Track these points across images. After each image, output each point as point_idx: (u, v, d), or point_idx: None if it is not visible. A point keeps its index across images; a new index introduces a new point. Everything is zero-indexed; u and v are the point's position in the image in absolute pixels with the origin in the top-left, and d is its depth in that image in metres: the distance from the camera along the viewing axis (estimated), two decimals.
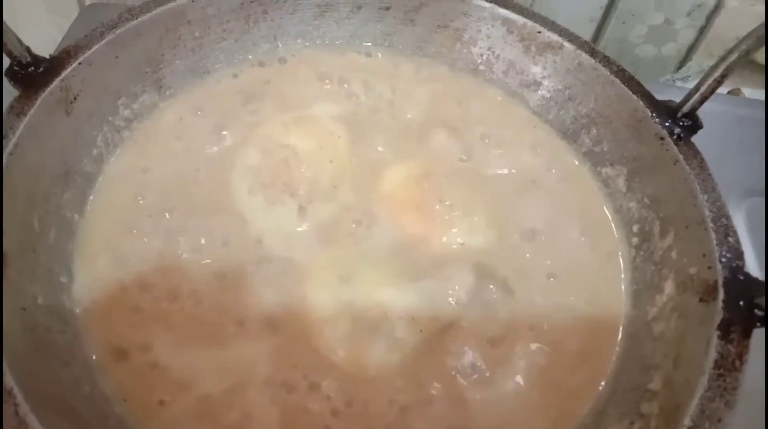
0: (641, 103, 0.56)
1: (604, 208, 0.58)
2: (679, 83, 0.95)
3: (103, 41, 0.53)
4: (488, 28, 0.63)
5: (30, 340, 0.42)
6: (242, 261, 0.51)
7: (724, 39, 0.90)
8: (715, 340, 0.43)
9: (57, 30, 0.89)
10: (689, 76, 0.94)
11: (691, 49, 0.92)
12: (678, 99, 0.55)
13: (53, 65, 0.51)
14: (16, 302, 0.43)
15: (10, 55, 0.49)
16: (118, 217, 0.52)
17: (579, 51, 0.60)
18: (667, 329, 0.48)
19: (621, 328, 0.51)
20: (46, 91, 0.49)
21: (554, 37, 0.61)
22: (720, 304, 0.45)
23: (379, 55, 0.65)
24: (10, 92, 0.49)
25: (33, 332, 0.43)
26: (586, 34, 0.91)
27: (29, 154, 0.47)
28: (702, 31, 0.90)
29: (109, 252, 0.50)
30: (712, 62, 0.51)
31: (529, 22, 0.61)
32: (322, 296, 0.49)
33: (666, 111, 0.55)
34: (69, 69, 0.51)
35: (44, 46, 0.83)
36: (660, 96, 0.56)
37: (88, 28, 0.54)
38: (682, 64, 0.94)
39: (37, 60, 0.50)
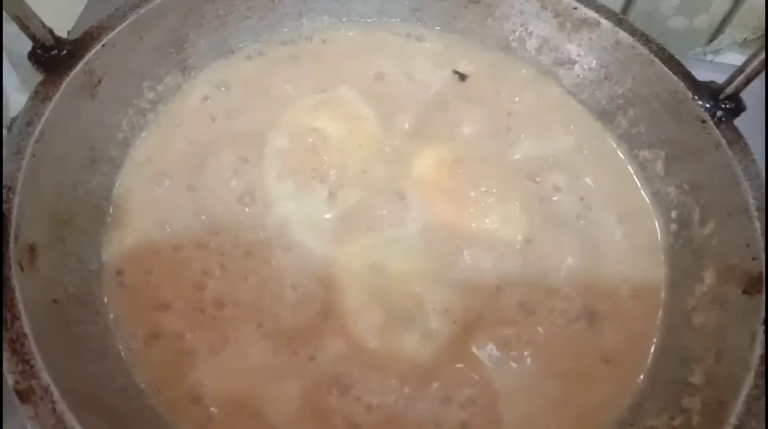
0: (681, 84, 0.54)
1: (642, 192, 0.56)
2: (710, 56, 0.92)
3: (127, 22, 0.52)
4: (521, 4, 0.61)
5: (63, 334, 0.42)
6: (272, 249, 0.50)
7: (758, 10, 0.87)
8: (761, 336, 0.42)
9: (71, 4, 0.87)
10: (721, 49, 0.91)
11: (724, 22, 0.89)
12: (709, 73, 0.53)
13: (76, 48, 0.50)
14: (48, 295, 0.42)
15: (32, 38, 0.48)
16: (145, 203, 0.51)
17: (617, 28, 0.57)
18: (707, 321, 0.47)
19: (659, 318, 0.50)
20: (71, 75, 0.48)
21: (591, 14, 0.58)
22: (765, 297, 0.44)
23: (407, 31, 0.63)
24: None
25: (66, 326, 0.42)
26: (616, 5, 0.88)
27: (55, 141, 0.46)
28: (737, 2, 0.86)
29: (138, 238, 0.50)
30: (745, 35, 0.49)
31: None
32: (353, 285, 0.48)
33: (708, 92, 0.53)
34: (93, 51, 0.50)
35: (60, 24, 0.82)
36: (691, 70, 0.54)
37: (105, 3, 0.52)
38: (713, 37, 0.91)
39: (60, 42, 0.49)
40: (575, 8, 0.59)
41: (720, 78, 0.53)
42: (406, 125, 0.56)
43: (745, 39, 0.89)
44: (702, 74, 0.54)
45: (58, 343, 0.40)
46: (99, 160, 0.51)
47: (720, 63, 0.90)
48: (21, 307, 0.38)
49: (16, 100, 1.06)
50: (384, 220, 0.51)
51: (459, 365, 0.46)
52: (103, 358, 0.44)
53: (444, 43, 0.63)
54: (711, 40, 0.91)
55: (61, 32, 0.78)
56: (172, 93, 0.57)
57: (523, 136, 0.58)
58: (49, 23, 0.48)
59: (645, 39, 0.56)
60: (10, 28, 1.01)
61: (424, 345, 0.46)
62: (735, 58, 0.90)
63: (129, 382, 0.43)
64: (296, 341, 0.46)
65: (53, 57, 0.48)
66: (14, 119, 1.07)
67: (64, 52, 0.49)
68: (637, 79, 0.57)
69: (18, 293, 0.39)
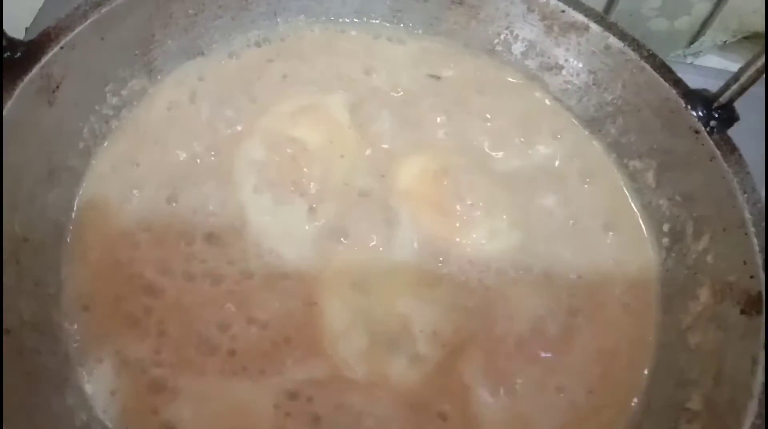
0: (674, 91, 0.52)
1: (632, 204, 0.54)
2: (689, 59, 0.91)
3: (87, 21, 0.48)
4: (507, 6, 0.58)
5: (16, 366, 0.38)
6: (248, 267, 0.46)
7: (740, 13, 0.86)
8: (762, 360, 0.40)
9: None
10: (701, 52, 0.90)
11: (705, 24, 0.88)
12: (690, 76, 0.51)
13: (32, 50, 0.46)
14: None
15: None
16: (109, 217, 0.48)
17: (606, 33, 0.55)
18: (704, 341, 0.45)
19: (653, 337, 0.48)
20: (25, 80, 0.44)
21: (579, 17, 0.56)
22: (765, 318, 0.42)
23: (388, 33, 0.60)
24: None
25: (20, 357, 0.39)
26: (597, 6, 0.86)
27: (9, 152, 0.42)
28: (718, 4, 0.85)
29: (102, 256, 0.46)
30: (725, 38, 0.47)
31: (552, 0, 0.56)
32: (335, 306, 0.45)
33: (700, 101, 0.51)
34: (50, 54, 0.46)
35: (17, 22, 0.77)
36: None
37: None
38: (694, 40, 0.90)
39: (13, 44, 0.45)
40: (563, 11, 0.56)
41: (700, 82, 0.51)
42: (389, 134, 0.54)
43: (725, 42, 0.87)
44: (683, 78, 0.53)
45: (10, 377, 0.36)
46: (58, 171, 0.47)
47: (700, 66, 0.89)
48: None
49: None
50: (366, 235, 0.48)
51: (448, 393, 0.43)
52: (63, 391, 0.40)
53: (426, 45, 0.60)
54: (691, 43, 0.90)
55: (20, 27, 0.74)
56: (137, 98, 0.53)
57: (508, 144, 0.56)
58: (7, 17, 0.44)
59: (636, 44, 0.54)
60: None
61: (412, 371, 0.43)
62: (715, 61, 0.89)
63: (91, 418, 0.40)
64: (271, 369, 0.43)
65: (6, 60, 0.44)
66: None
67: (18, 54, 0.45)
68: (628, 86, 0.55)
69: None
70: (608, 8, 0.86)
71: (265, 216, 0.48)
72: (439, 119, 0.56)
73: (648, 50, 0.54)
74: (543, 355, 0.46)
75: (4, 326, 0.39)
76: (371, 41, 0.59)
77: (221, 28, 0.56)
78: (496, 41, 0.60)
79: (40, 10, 0.74)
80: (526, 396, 0.44)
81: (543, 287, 0.49)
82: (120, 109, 0.52)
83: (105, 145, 0.50)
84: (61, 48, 0.46)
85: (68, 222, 0.47)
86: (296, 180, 0.49)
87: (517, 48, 0.60)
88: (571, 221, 0.52)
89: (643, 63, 0.54)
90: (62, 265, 0.45)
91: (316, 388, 0.43)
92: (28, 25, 0.74)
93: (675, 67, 0.53)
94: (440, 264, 0.48)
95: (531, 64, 0.60)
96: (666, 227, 0.52)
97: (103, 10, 0.49)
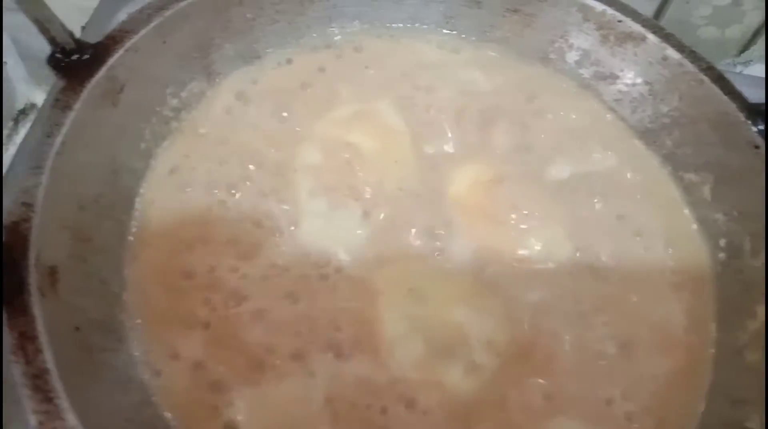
0: (733, 105, 0.51)
1: (688, 217, 0.53)
2: (739, 68, 0.90)
3: (151, 25, 0.49)
4: (562, 15, 0.58)
5: (86, 365, 0.39)
6: (303, 271, 0.47)
7: None
8: None
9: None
10: (751, 61, 0.89)
11: (756, 33, 0.87)
12: (741, 86, 0.51)
13: (98, 52, 0.46)
14: (69, 322, 0.39)
15: (52, 41, 0.45)
16: (169, 216, 0.48)
17: (664, 44, 0.55)
18: (761, 359, 0.45)
19: (709, 355, 0.47)
20: (92, 82, 0.45)
21: (636, 27, 0.56)
22: None
23: (441, 39, 0.60)
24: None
25: (89, 355, 0.39)
26: (646, 13, 0.85)
27: (77, 153, 0.43)
28: None
29: (162, 254, 0.47)
30: None
31: (609, 10, 0.56)
32: (390, 313, 0.45)
33: (760, 115, 0.50)
34: (115, 56, 0.47)
35: (71, 18, 0.78)
36: None
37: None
38: (744, 48, 0.89)
39: (81, 46, 0.46)
40: (620, 21, 0.56)
41: (750, 92, 0.51)
42: (442, 140, 0.54)
43: None
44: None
45: (82, 376, 0.37)
46: (120, 171, 0.48)
47: (748, 75, 0.88)
48: (43, 338, 0.35)
49: (23, 91, 1.03)
50: (422, 241, 0.48)
51: (503, 403, 0.43)
52: (128, 388, 0.41)
53: (479, 53, 0.60)
54: (742, 52, 0.89)
55: (74, 28, 0.75)
56: (196, 100, 0.54)
57: (561, 154, 0.55)
58: (64, 17, 0.45)
59: (694, 56, 0.54)
60: (18, 18, 0.97)
61: (467, 380, 0.43)
62: (761, 70, 0.88)
63: (156, 416, 0.41)
64: (326, 371, 0.43)
65: (74, 62, 0.45)
66: (21, 111, 1.04)
67: (86, 56, 0.46)
68: (685, 98, 0.54)
69: (40, 323, 0.36)
70: (657, 16, 0.86)
71: (319, 219, 0.49)
72: (491, 127, 0.55)
73: (707, 62, 0.54)
74: (598, 370, 0.45)
75: (75, 323, 0.40)
76: (424, 47, 0.59)
77: (277, 33, 0.57)
78: (550, 50, 0.60)
79: (94, 11, 0.75)
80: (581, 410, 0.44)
81: (596, 301, 0.48)
82: (179, 110, 0.52)
83: (164, 145, 0.51)
84: (126, 51, 0.47)
85: (129, 221, 0.47)
86: (352, 185, 0.50)
87: (572, 57, 0.59)
88: (626, 234, 0.52)
89: (701, 75, 0.53)
90: (124, 265, 0.46)
91: (370, 393, 0.43)
92: (83, 23, 0.75)
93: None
94: (495, 273, 0.47)
95: (585, 73, 0.59)
96: (723, 242, 0.51)
97: (166, 13, 0.49)
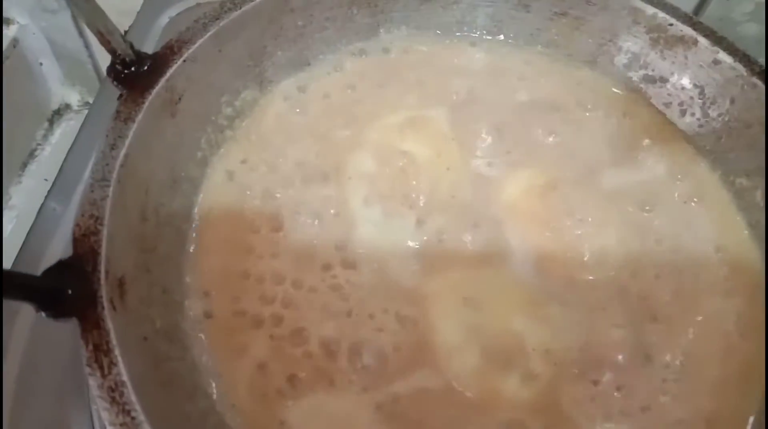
0: None
1: (740, 223, 0.53)
2: None
3: (207, 35, 0.49)
4: (612, 18, 0.58)
5: (156, 375, 0.40)
6: (359, 279, 0.47)
7: None
8: None
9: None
10: None
11: None
12: None
13: (157, 63, 0.47)
14: (138, 333, 0.40)
15: (113, 53, 0.46)
16: (226, 224, 0.49)
17: (716, 47, 0.54)
18: None
19: (765, 365, 0.47)
20: (153, 93, 0.46)
21: (688, 31, 0.55)
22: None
23: (488, 43, 0.60)
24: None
25: (157, 365, 0.40)
26: (685, 9, 0.84)
27: (140, 164, 0.44)
28: None
29: (221, 262, 0.48)
30: None
31: (660, 13, 0.56)
32: (447, 322, 0.46)
33: None
34: (174, 67, 0.47)
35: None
36: None
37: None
38: None
39: (140, 58, 0.46)
40: (671, 24, 0.56)
41: None
42: (493, 146, 0.54)
43: None
44: None
45: (152, 386, 0.38)
46: (179, 180, 0.49)
47: None
48: (117, 351, 0.36)
49: (58, 92, 1.04)
50: (476, 249, 0.49)
51: (562, 411, 0.43)
52: (194, 397, 0.42)
53: (527, 56, 0.60)
54: None
55: (121, 29, 0.76)
56: (249, 108, 0.54)
57: (613, 158, 0.55)
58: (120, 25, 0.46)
59: (747, 60, 0.53)
60: (55, 18, 0.98)
61: (525, 389, 0.44)
62: None
63: (220, 422, 0.41)
64: (381, 380, 0.44)
65: (134, 73, 0.46)
66: (56, 112, 1.05)
67: (145, 68, 0.46)
68: (737, 102, 0.54)
69: (113, 336, 0.37)
70: (697, 12, 0.85)
71: (374, 227, 0.49)
72: (542, 132, 0.56)
73: (760, 66, 0.53)
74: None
75: (144, 334, 0.40)
76: (473, 52, 0.59)
77: (327, 39, 0.57)
78: (598, 53, 0.60)
79: (138, 13, 0.76)
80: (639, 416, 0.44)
81: (652, 312, 0.48)
82: (233, 119, 0.53)
83: (219, 153, 0.52)
84: (184, 61, 0.48)
85: (189, 230, 0.48)
86: (406, 193, 0.50)
87: (620, 60, 0.59)
88: (679, 237, 0.52)
89: (755, 80, 0.53)
90: (185, 274, 0.47)
91: (426, 401, 0.44)
92: (126, 27, 0.76)
93: None
94: (550, 281, 0.48)
95: (634, 76, 0.59)
96: None
97: (222, 23, 0.50)
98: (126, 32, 0.76)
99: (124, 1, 0.85)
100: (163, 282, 0.45)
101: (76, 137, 0.66)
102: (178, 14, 0.74)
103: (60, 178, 0.63)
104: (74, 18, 0.95)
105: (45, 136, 1.05)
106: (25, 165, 0.97)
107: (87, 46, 1.02)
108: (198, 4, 0.75)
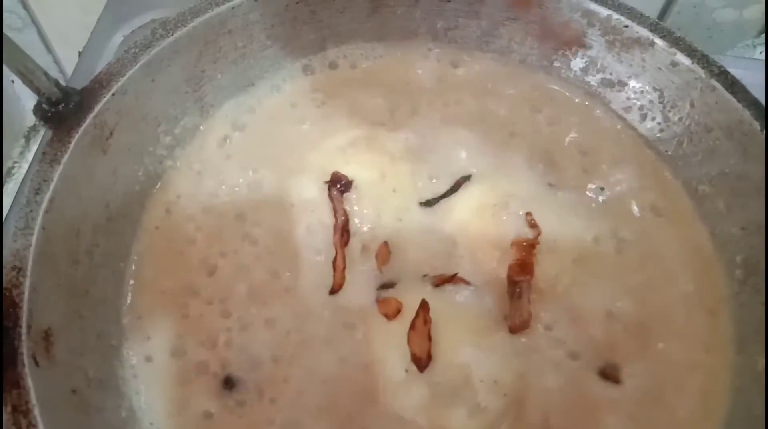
0: (748, 113, 0.49)
1: (701, 231, 0.51)
2: (759, 49, 0.86)
3: (138, 65, 0.47)
4: (565, 21, 0.55)
5: (85, 427, 0.38)
6: (303, 310, 0.46)
7: None
8: None
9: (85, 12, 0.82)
10: None
11: None
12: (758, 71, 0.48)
13: (85, 99, 0.46)
14: (66, 386, 0.39)
15: (37, 92, 0.44)
16: (168, 259, 0.48)
17: (673, 49, 0.52)
18: None
19: (727, 380, 0.45)
20: (80, 131, 0.45)
21: (644, 32, 0.53)
22: None
23: (438, 52, 0.58)
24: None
25: (87, 418, 0.39)
26: None
27: (67, 207, 0.43)
28: None
29: (160, 302, 0.46)
30: None
31: (615, 15, 0.53)
32: (391, 355, 0.44)
33: None
34: (103, 102, 0.46)
35: (74, 36, 0.78)
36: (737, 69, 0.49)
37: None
38: (765, 29, 0.85)
39: (66, 94, 0.45)
40: (626, 26, 0.53)
41: None
42: (442, 164, 0.52)
43: None
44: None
45: None
46: (115, 218, 0.47)
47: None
48: (37, 411, 0.35)
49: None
50: (418, 274, 0.47)
51: None
52: None
53: (479, 64, 0.58)
54: (761, 32, 0.85)
55: (78, 46, 0.75)
56: (190, 135, 0.53)
57: (569, 168, 0.53)
58: (62, 36, 0.45)
59: (705, 61, 0.51)
60: (24, 36, 0.96)
61: (473, 421, 0.42)
62: None
63: None
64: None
65: (61, 112, 0.44)
66: (32, 128, 1.04)
67: (72, 105, 0.45)
68: (697, 105, 0.52)
69: (33, 395, 0.36)
70: (671, 0, 0.82)
71: (318, 256, 0.48)
72: (494, 145, 0.54)
73: (719, 67, 0.51)
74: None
75: (72, 386, 0.39)
76: (423, 63, 0.57)
77: (271, 58, 0.55)
78: (553, 57, 0.57)
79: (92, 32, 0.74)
80: None
81: (610, 324, 0.47)
82: (173, 148, 0.52)
83: (158, 185, 0.50)
84: (113, 95, 0.46)
85: (127, 269, 0.47)
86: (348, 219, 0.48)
87: (577, 64, 0.57)
88: (638, 249, 0.50)
89: (713, 82, 0.50)
90: (123, 315, 0.45)
91: None
92: (80, 48, 0.75)
93: (742, 63, 0.49)
94: (501, 307, 0.46)
95: (592, 80, 0.57)
96: (739, 258, 0.49)
97: (153, 51, 0.48)
98: (80, 53, 0.74)
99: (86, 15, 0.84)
100: (97, 327, 0.43)
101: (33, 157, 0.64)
102: (132, 32, 0.72)
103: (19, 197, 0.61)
104: (40, 34, 0.94)
105: (22, 154, 1.04)
106: (2, 185, 0.96)
107: (56, 61, 1.01)
108: (153, 20, 0.73)
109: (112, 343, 0.44)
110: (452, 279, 0.46)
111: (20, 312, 0.38)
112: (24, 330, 0.37)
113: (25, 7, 0.88)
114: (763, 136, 0.48)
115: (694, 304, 0.48)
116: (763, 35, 0.85)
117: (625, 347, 0.46)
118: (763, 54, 0.84)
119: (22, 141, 1.04)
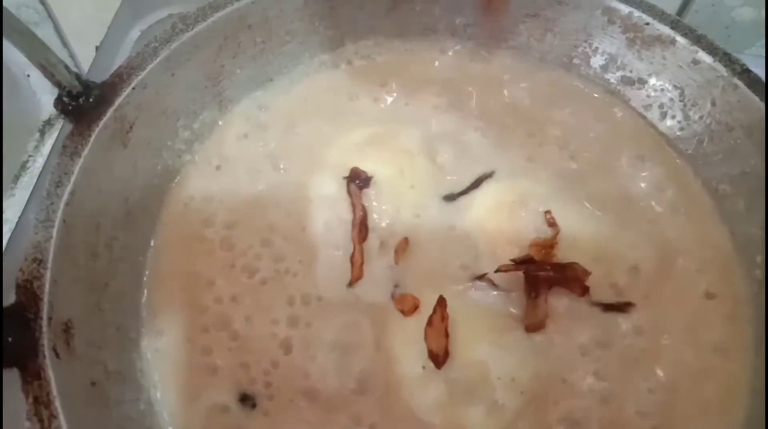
0: None
1: (720, 231, 0.51)
2: None
3: (158, 59, 0.48)
4: (585, 18, 0.55)
5: (104, 421, 0.39)
6: (322, 310, 0.46)
7: None
8: None
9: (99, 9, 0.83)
10: None
11: None
12: None
13: (105, 92, 0.46)
14: (85, 378, 0.39)
15: (58, 85, 0.44)
16: (186, 253, 0.48)
17: (695, 47, 0.51)
18: None
19: (747, 382, 0.45)
20: (101, 125, 0.45)
21: (665, 30, 0.52)
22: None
23: (458, 48, 0.58)
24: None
25: (106, 410, 0.40)
26: None
27: (88, 200, 0.43)
28: None
29: (179, 296, 0.46)
30: None
31: (636, 12, 0.53)
32: (409, 351, 0.44)
33: None
34: (123, 95, 0.46)
35: (90, 32, 0.78)
36: (755, 68, 0.49)
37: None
38: None
39: (87, 88, 0.45)
40: (647, 23, 0.53)
41: None
42: (461, 161, 0.52)
43: None
44: None
45: None
46: (134, 212, 0.47)
47: None
48: (58, 402, 0.35)
49: (48, 102, 1.04)
50: (439, 271, 0.47)
51: None
52: None
53: (499, 60, 0.57)
54: None
55: (94, 42, 0.75)
56: (208, 129, 0.53)
57: (588, 165, 0.53)
58: (78, 31, 0.45)
59: (727, 59, 0.51)
60: (40, 29, 0.97)
61: (490, 419, 0.42)
62: None
63: None
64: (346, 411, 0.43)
65: (81, 105, 0.45)
66: (47, 122, 1.05)
67: (92, 98, 0.45)
68: (718, 103, 0.51)
69: (54, 386, 0.36)
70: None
71: (336, 252, 0.48)
72: (512, 142, 0.53)
73: (741, 65, 0.50)
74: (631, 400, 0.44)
75: (92, 378, 0.39)
76: (441, 59, 0.57)
77: (289, 54, 0.55)
78: (573, 54, 0.57)
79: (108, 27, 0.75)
80: None
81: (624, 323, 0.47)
82: (192, 142, 0.52)
83: (177, 179, 0.51)
84: (133, 89, 0.46)
85: (145, 263, 0.47)
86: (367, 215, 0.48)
87: (596, 61, 0.57)
88: (656, 250, 0.49)
89: (735, 80, 0.50)
90: (142, 309, 0.46)
91: None
92: (97, 43, 0.75)
93: (760, 62, 0.48)
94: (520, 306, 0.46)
95: (611, 78, 0.56)
96: (759, 259, 0.48)
97: (173, 45, 0.48)
98: (97, 47, 0.74)
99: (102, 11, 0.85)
100: (116, 320, 0.44)
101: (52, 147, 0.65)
102: (149, 27, 0.72)
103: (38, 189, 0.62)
104: (56, 29, 0.95)
105: (36, 148, 1.04)
106: (17, 177, 0.97)
107: (72, 56, 1.01)
108: (170, 15, 0.73)
109: (130, 336, 0.44)
110: (482, 278, 0.46)
111: (41, 304, 0.38)
112: (45, 322, 0.37)
113: (42, 2, 0.89)
114: None
115: (716, 304, 0.48)
116: None
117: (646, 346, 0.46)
118: None
119: (37, 135, 1.05)
